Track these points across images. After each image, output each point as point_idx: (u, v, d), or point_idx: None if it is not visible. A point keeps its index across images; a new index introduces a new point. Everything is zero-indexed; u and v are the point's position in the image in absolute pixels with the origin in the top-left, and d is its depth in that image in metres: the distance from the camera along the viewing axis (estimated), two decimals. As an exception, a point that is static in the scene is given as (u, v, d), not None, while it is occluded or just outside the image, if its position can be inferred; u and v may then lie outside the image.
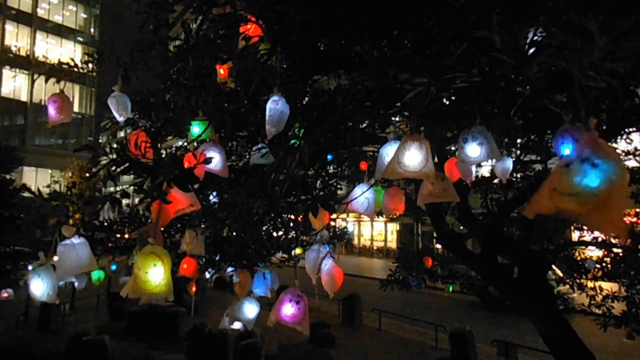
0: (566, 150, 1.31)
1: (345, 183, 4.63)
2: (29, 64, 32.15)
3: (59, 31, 34.93)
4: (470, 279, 6.91)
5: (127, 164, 1.45)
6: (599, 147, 0.87)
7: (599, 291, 5.35)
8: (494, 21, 1.19)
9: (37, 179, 29.63)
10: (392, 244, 27.34)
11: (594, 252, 6.00)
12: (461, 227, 4.75)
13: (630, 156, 4.40)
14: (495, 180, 4.71)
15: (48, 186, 23.30)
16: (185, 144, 2.92)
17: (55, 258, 1.68)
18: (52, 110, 2.22)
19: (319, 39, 2.07)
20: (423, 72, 1.46)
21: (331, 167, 3.91)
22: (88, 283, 5.84)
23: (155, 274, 1.33)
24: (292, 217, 3.91)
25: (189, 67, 2.44)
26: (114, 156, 1.47)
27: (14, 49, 32.12)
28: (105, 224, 4.24)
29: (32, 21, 33.11)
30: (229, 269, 3.80)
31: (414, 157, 1.55)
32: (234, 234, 3.69)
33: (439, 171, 1.95)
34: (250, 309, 2.81)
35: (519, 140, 3.65)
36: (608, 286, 5.41)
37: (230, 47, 2.09)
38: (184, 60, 2.46)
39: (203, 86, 2.37)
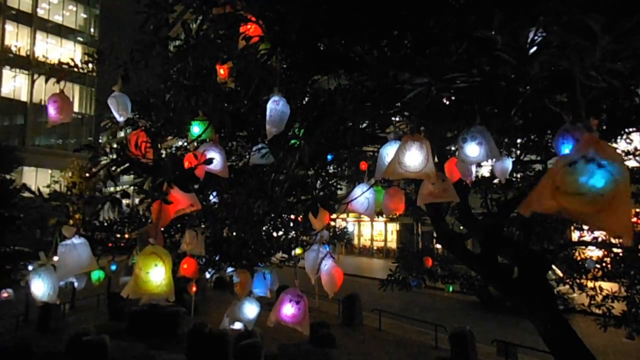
0: (566, 150, 1.31)
1: (345, 183, 4.63)
2: (29, 64, 32.14)
3: (59, 31, 34.92)
4: (470, 279, 6.90)
5: (127, 164, 1.45)
6: (602, 147, 0.87)
7: (599, 291, 5.35)
8: (496, 21, 1.19)
9: (37, 179, 29.62)
10: (392, 244, 27.33)
11: (594, 252, 6.00)
12: (461, 227, 4.75)
13: (630, 156, 4.40)
14: (495, 180, 4.71)
15: (48, 186, 23.28)
16: (186, 144, 2.92)
17: (55, 258, 1.68)
18: (52, 110, 2.21)
19: (319, 39, 2.07)
20: (423, 72, 1.46)
21: (331, 167, 3.91)
22: (88, 283, 5.84)
23: (156, 274, 1.33)
24: (292, 217, 3.91)
25: (189, 67, 2.44)
26: (114, 156, 1.47)
27: (14, 49, 32.11)
28: (105, 224, 4.24)
29: (32, 21, 33.10)
30: (229, 269, 3.80)
31: (415, 158, 1.55)
32: (234, 234, 3.70)
33: (439, 171, 1.95)
34: (251, 309, 2.81)
35: (519, 140, 3.65)
36: (608, 286, 5.40)
37: (230, 47, 2.09)
38: (184, 60, 2.46)
39: (203, 86, 2.37)
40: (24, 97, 32.47)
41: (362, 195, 2.20)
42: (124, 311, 11.06)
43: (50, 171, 30.84)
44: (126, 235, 4.48)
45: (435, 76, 1.44)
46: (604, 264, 5.25)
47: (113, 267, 5.73)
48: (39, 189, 1.89)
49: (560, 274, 6.62)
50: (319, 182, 3.47)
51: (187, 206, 1.64)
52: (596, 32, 1.01)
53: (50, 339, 9.98)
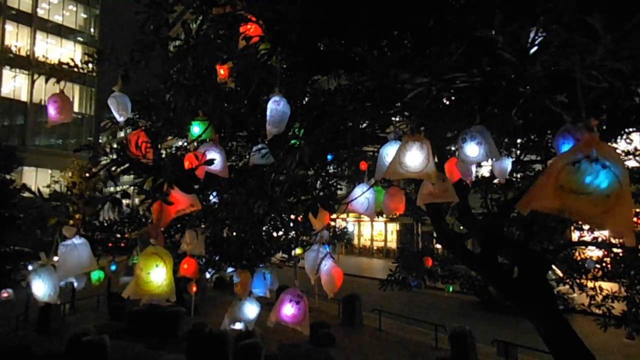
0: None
1: (345, 183, 4.63)
2: (29, 64, 32.14)
3: (59, 31, 34.92)
4: (470, 279, 6.91)
5: (127, 165, 1.45)
6: (603, 148, 0.87)
7: (599, 291, 5.35)
8: (497, 20, 1.19)
9: (37, 179, 29.62)
10: (392, 244, 27.33)
11: (594, 252, 5.99)
12: (461, 227, 4.74)
13: (630, 156, 4.40)
14: (495, 180, 4.71)
15: (48, 186, 23.30)
16: (186, 144, 2.92)
17: (55, 258, 1.68)
18: (52, 110, 2.21)
19: (319, 39, 2.07)
20: (423, 72, 1.46)
21: (331, 167, 3.91)
22: (87, 283, 5.83)
23: (157, 275, 1.32)
24: (292, 217, 3.91)
25: (189, 67, 2.43)
26: (115, 156, 1.47)
27: (14, 49, 32.11)
28: (106, 224, 4.24)
29: (32, 21, 33.10)
30: (229, 269, 3.80)
31: (416, 158, 1.54)
32: (234, 234, 3.69)
33: (439, 171, 1.95)
34: (251, 309, 2.81)
35: (519, 140, 3.65)
36: (608, 286, 5.40)
37: (230, 47, 2.09)
38: (184, 60, 2.46)
39: (203, 86, 2.36)
40: (24, 97, 32.47)
41: (362, 195, 2.20)
42: (124, 311, 11.06)
43: (50, 171, 30.85)
44: (126, 236, 4.48)
45: (435, 76, 1.44)
46: (604, 264, 5.25)
47: (113, 267, 5.72)
48: (39, 189, 1.89)
49: (560, 274, 6.62)
50: (319, 182, 3.47)
51: (187, 206, 1.64)
52: (598, 31, 1.01)
53: (50, 339, 9.98)
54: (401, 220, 24.41)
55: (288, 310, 1.97)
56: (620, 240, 4.56)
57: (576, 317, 9.00)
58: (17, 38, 32.44)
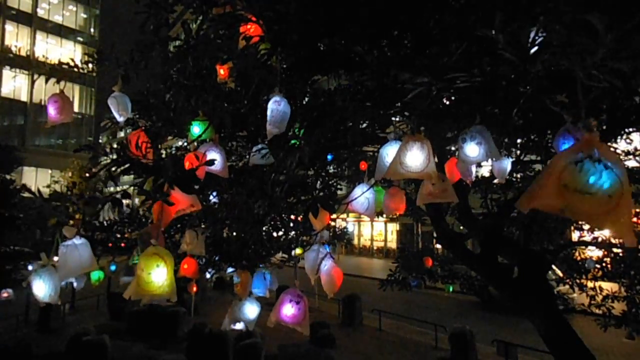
0: (566, 150, 1.31)
1: (345, 183, 4.63)
2: (29, 64, 32.13)
3: (59, 31, 34.91)
4: (470, 279, 6.91)
5: (128, 165, 1.45)
6: (603, 149, 0.87)
7: (599, 291, 5.35)
8: (497, 20, 1.19)
9: (37, 179, 29.62)
10: (392, 244, 27.33)
11: (594, 252, 6.00)
12: (461, 227, 4.74)
13: (630, 156, 4.40)
14: (495, 180, 4.71)
15: (48, 186, 23.31)
16: (186, 144, 2.91)
17: (55, 258, 1.68)
18: (52, 110, 2.21)
19: (319, 39, 2.07)
20: (424, 72, 1.46)
21: (331, 167, 3.91)
22: (87, 283, 5.84)
23: (158, 275, 1.32)
24: (292, 217, 3.91)
25: (189, 67, 2.43)
26: (115, 156, 1.46)
27: (14, 49, 32.09)
28: (105, 224, 4.24)
29: (32, 21, 33.09)
30: (229, 269, 3.79)
31: (416, 158, 1.54)
32: (234, 234, 3.69)
33: (439, 171, 1.95)
34: (251, 310, 2.81)
35: (519, 140, 3.65)
36: (608, 286, 5.41)
37: (230, 47, 2.09)
38: (184, 60, 2.46)
39: (203, 86, 2.36)
40: (24, 97, 32.46)
41: (362, 195, 2.20)
42: (124, 311, 11.06)
43: (50, 171, 30.86)
44: (126, 236, 4.48)
45: (435, 76, 1.44)
46: (604, 264, 5.25)
47: (112, 268, 5.73)
48: (38, 190, 1.89)
49: (560, 274, 6.63)
50: (319, 182, 3.47)
51: (187, 206, 1.64)
52: (599, 31, 1.01)
53: (50, 339, 9.98)
54: (401, 220, 24.41)
55: (288, 310, 1.97)
56: (620, 241, 4.56)
57: (576, 317, 9.01)
58: (17, 38, 32.43)
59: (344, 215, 2.48)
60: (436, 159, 1.59)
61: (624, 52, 1.06)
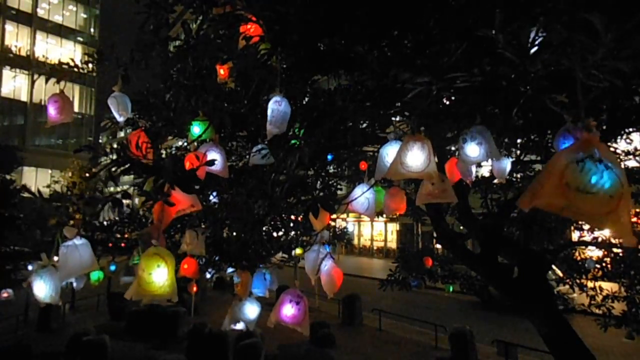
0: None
1: (345, 183, 4.63)
2: (29, 64, 32.14)
3: (59, 31, 34.91)
4: (470, 279, 6.91)
5: (128, 165, 1.44)
6: (603, 149, 0.87)
7: (599, 291, 5.35)
8: (497, 20, 1.19)
9: (37, 179, 29.63)
10: (392, 244, 27.33)
11: (594, 252, 6.00)
12: (461, 227, 4.74)
13: (630, 156, 4.40)
14: (496, 180, 4.71)
15: (48, 186, 23.30)
16: (186, 144, 2.92)
17: (55, 258, 1.68)
18: (52, 110, 2.21)
19: (319, 39, 2.07)
20: (424, 71, 1.46)
21: (331, 167, 3.91)
22: (87, 283, 5.84)
23: (159, 275, 1.33)
24: (293, 217, 3.90)
25: (189, 67, 2.43)
26: (115, 157, 1.46)
27: (14, 49, 32.10)
28: (105, 224, 4.24)
29: (32, 21, 33.09)
30: (230, 270, 3.79)
31: (417, 158, 1.54)
32: (234, 234, 3.69)
33: (439, 171, 1.95)
34: (252, 310, 2.81)
35: (519, 140, 3.65)
36: (608, 286, 5.41)
37: (230, 47, 2.09)
38: (184, 60, 2.46)
39: (203, 86, 2.36)
40: (24, 97, 32.46)
41: (362, 195, 2.20)
42: (124, 311, 11.06)
43: (50, 171, 30.85)
44: (126, 236, 4.48)
45: (436, 76, 1.44)
46: (604, 264, 5.25)
47: (112, 268, 5.73)
48: (39, 190, 1.89)
49: (560, 274, 6.63)
50: (319, 182, 3.47)
51: (187, 207, 1.64)
52: (598, 30, 1.01)
53: (50, 339, 9.98)
54: (401, 220, 24.41)
55: (288, 310, 1.97)
56: (620, 241, 4.56)
57: (576, 317, 9.01)
58: (17, 38, 32.43)
59: (344, 215, 2.48)
60: (436, 159, 1.59)
61: (623, 52, 1.06)
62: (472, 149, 1.74)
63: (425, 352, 9.17)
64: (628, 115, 2.55)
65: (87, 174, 22.64)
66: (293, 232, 4.25)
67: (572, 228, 6.17)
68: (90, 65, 2.57)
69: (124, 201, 1.59)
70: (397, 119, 2.34)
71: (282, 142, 2.40)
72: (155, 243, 1.38)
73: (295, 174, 2.29)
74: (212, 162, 1.63)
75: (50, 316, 10.92)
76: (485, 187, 4.88)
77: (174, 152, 3.36)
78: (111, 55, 2.50)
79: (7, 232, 11.93)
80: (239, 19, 1.92)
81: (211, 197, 3.21)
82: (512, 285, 3.78)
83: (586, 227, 5.49)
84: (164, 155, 1.92)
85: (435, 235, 4.55)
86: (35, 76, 30.63)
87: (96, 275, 5.75)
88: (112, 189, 1.58)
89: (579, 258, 5.72)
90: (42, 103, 31.30)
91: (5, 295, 10.11)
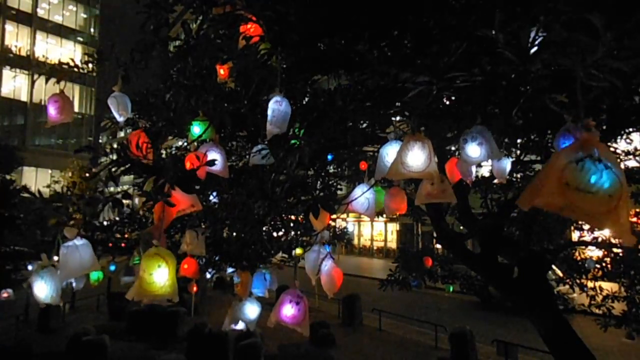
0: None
1: (345, 183, 4.63)
2: (29, 64, 32.13)
3: (59, 31, 34.90)
4: (470, 279, 6.92)
5: (128, 165, 1.44)
6: (603, 149, 0.87)
7: (599, 291, 5.35)
8: (497, 20, 1.19)
9: (37, 179, 29.62)
10: (392, 244, 27.33)
11: (594, 252, 6.00)
12: (461, 227, 4.75)
13: (630, 156, 4.40)
14: (496, 180, 4.71)
15: (48, 186, 23.31)
16: (186, 144, 2.92)
17: (55, 258, 1.68)
18: (52, 110, 2.21)
19: (319, 39, 2.07)
20: (424, 71, 1.46)
21: (331, 167, 3.91)
22: (87, 283, 5.84)
23: (160, 276, 1.33)
24: (293, 217, 3.91)
25: (189, 67, 2.43)
26: (115, 157, 1.46)
27: (14, 49, 32.10)
28: (105, 224, 4.24)
29: (32, 21, 33.08)
30: (230, 270, 3.79)
31: (417, 157, 1.54)
32: (234, 234, 3.69)
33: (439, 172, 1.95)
34: (252, 310, 2.81)
35: (519, 140, 3.65)
36: (608, 286, 5.41)
37: (230, 47, 2.09)
38: (184, 60, 2.46)
39: (203, 86, 2.36)
40: (24, 97, 32.46)
41: (362, 195, 2.20)
42: (124, 311, 11.06)
43: (50, 171, 30.85)
44: (126, 236, 4.48)
45: (436, 75, 1.44)
46: (604, 264, 5.25)
47: (112, 268, 5.73)
48: (39, 191, 1.89)
49: (560, 274, 6.63)
50: (319, 182, 3.47)
51: (188, 207, 1.64)
52: (598, 29, 1.01)
53: (50, 339, 9.97)
54: (401, 220, 24.41)
55: (288, 311, 1.97)
56: (620, 241, 4.56)
57: (576, 317, 9.01)
58: (17, 38, 32.43)
59: (344, 216, 2.48)
60: (436, 159, 1.59)
61: (623, 52, 1.06)
62: (473, 150, 1.74)
63: (425, 352, 9.17)
64: (628, 115, 2.55)
65: (87, 174, 22.65)
66: (293, 232, 4.25)
67: (572, 228, 6.17)
68: (90, 65, 2.56)
69: (124, 201, 1.60)
70: (397, 119, 2.34)
71: (282, 142, 2.40)
72: (156, 243, 1.38)
73: (295, 174, 2.29)
74: (212, 162, 1.63)
75: (50, 316, 10.92)
76: (485, 187, 4.88)
77: (174, 152, 3.36)
78: (111, 55, 2.50)
79: (7, 232, 11.93)
80: (239, 19, 1.92)
81: (211, 197, 3.21)
82: (512, 285, 3.78)
83: (586, 227, 5.49)
84: (164, 156, 1.93)
85: (435, 235, 4.55)
86: (35, 76, 30.61)
87: (95, 275, 5.75)
88: (112, 189, 1.58)
89: (579, 258, 5.72)
90: (42, 103, 31.30)
91: (5, 295, 10.11)
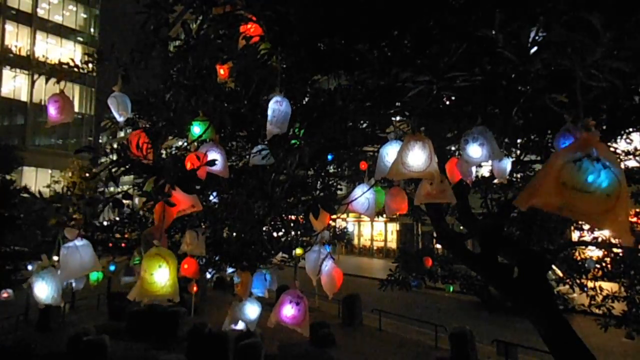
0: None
1: (345, 183, 4.63)
2: (29, 64, 32.13)
3: (59, 31, 34.90)
4: (470, 279, 6.90)
5: (128, 165, 1.44)
6: (602, 148, 0.87)
7: (599, 291, 5.35)
8: (497, 20, 1.19)
9: (37, 179, 29.63)
10: (392, 244, 27.33)
11: (594, 252, 6.00)
12: (461, 227, 4.74)
13: (630, 156, 4.40)
14: (495, 180, 4.71)
15: (48, 186, 23.31)
16: (186, 144, 2.92)
17: (55, 258, 1.68)
18: (52, 110, 2.21)
19: (319, 39, 2.07)
20: (424, 71, 1.46)
21: (331, 167, 3.91)
22: (87, 283, 5.84)
23: (160, 276, 1.33)
24: (293, 217, 3.91)
25: (189, 67, 2.43)
26: (115, 157, 1.46)
27: (14, 49, 32.10)
28: (106, 224, 4.24)
29: (32, 21, 33.09)
30: (230, 270, 3.79)
31: (418, 157, 1.54)
32: (234, 234, 3.69)
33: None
34: (252, 310, 2.81)
35: (519, 140, 3.65)
36: (608, 286, 5.41)
37: (230, 47, 2.09)
38: (184, 60, 2.46)
39: (203, 86, 2.36)
40: (24, 97, 32.46)
41: (362, 195, 2.20)
42: (124, 311, 11.06)
43: (50, 171, 30.85)
44: (126, 236, 4.48)
45: (436, 75, 1.44)
46: (604, 264, 5.25)
47: (112, 268, 5.73)
48: (39, 191, 1.89)
49: (560, 274, 6.63)
50: (319, 182, 3.46)
51: (188, 207, 1.64)
52: (598, 29, 1.01)
53: (50, 339, 9.98)
54: (401, 220, 24.41)
55: (288, 311, 1.97)
56: (620, 241, 4.56)
57: (576, 317, 9.01)
58: (17, 38, 32.43)
59: (344, 216, 2.48)
60: (436, 159, 1.59)
61: (623, 52, 1.06)
62: (474, 150, 1.74)
63: (425, 352, 9.17)
64: (628, 115, 2.55)
65: (87, 174, 22.66)
66: (293, 233, 4.25)
67: (572, 228, 6.17)
68: (90, 65, 2.56)
69: (125, 201, 1.59)
70: (397, 119, 2.34)
71: (282, 142, 2.40)
72: (157, 243, 1.38)
73: (295, 174, 2.29)
74: (212, 162, 1.63)
75: (50, 316, 10.93)
76: (485, 187, 4.87)
77: (174, 152, 3.36)
78: (111, 55, 2.50)
79: (7, 232, 11.93)
80: (239, 19, 1.92)
81: (211, 197, 3.21)
82: (512, 285, 3.78)
83: (586, 227, 5.49)
84: (164, 156, 1.93)
85: (435, 235, 4.55)
86: (35, 76, 30.66)
87: (95, 276, 5.75)
88: (112, 189, 1.58)
89: (579, 258, 5.72)
90: (42, 103, 31.29)
91: (5, 295, 10.10)
